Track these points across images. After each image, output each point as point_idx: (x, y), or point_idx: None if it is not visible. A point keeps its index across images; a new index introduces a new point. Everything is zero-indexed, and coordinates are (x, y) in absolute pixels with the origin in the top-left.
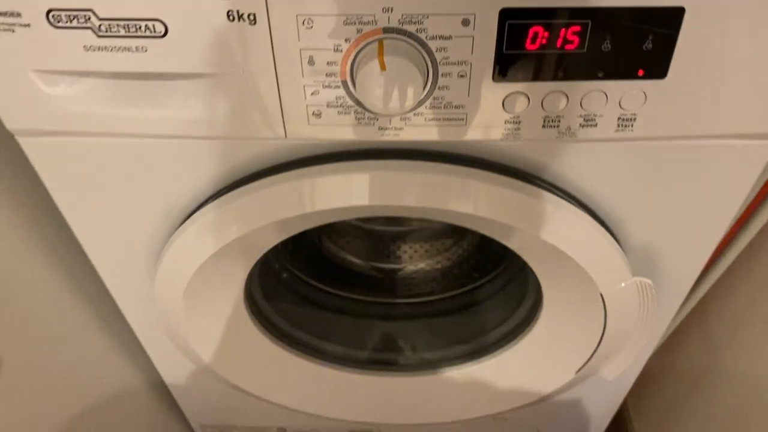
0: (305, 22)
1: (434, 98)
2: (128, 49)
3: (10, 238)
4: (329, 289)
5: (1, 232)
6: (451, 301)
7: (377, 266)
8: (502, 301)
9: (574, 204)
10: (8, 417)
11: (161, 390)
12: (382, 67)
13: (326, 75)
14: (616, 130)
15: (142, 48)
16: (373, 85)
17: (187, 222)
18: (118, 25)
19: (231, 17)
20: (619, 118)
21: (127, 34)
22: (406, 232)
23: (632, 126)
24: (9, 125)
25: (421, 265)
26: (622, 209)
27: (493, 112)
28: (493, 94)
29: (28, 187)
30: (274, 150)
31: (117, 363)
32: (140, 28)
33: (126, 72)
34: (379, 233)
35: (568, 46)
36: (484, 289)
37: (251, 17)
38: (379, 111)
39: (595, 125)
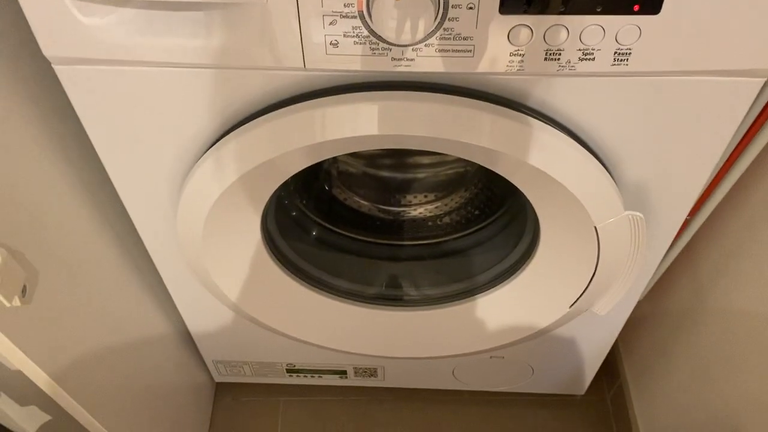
0: None
1: (444, 29)
2: None
3: (44, 169)
4: (339, 230)
5: (34, 163)
6: (454, 243)
7: (384, 209)
8: (502, 241)
9: (571, 138)
10: (39, 328)
11: (178, 327)
12: None
13: (344, 5)
14: (613, 64)
15: None
16: (387, 15)
17: (207, 152)
18: None
19: None
20: (615, 53)
21: None
22: (412, 179)
23: (627, 60)
24: (45, 52)
25: (426, 209)
26: (617, 145)
27: (499, 45)
28: (499, 26)
29: (62, 116)
30: (293, 81)
31: (140, 298)
32: None
33: (157, 1)
34: (387, 179)
35: None
36: (486, 230)
37: None
38: (392, 41)
39: (593, 59)
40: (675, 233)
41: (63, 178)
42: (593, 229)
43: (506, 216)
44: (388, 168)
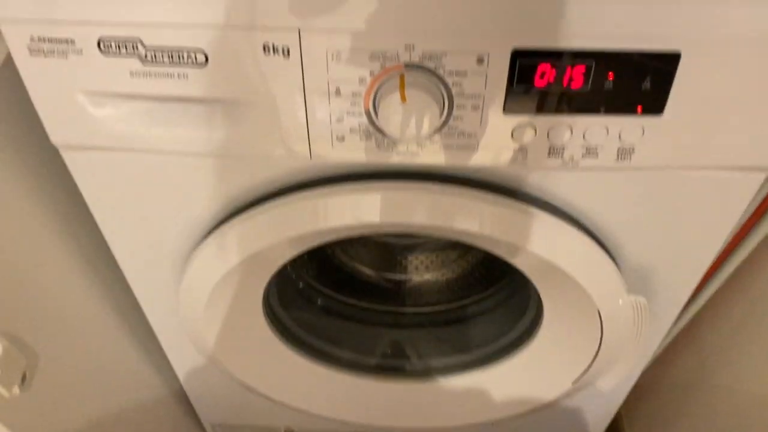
0: (334, 57)
1: (449, 127)
2: (171, 75)
3: (46, 249)
4: (340, 297)
5: (40, 240)
6: (456, 311)
7: (387, 276)
8: (505, 313)
9: (574, 226)
10: (39, 413)
11: (176, 390)
12: (403, 99)
13: (351, 104)
14: (616, 161)
15: (184, 75)
16: (394, 114)
17: (210, 236)
18: (162, 54)
19: (267, 50)
20: (618, 150)
21: (171, 62)
22: (415, 245)
23: (631, 157)
24: (53, 139)
25: (429, 276)
26: (620, 231)
27: (502, 141)
28: (502, 124)
29: (67, 197)
30: (297, 169)
31: (138, 364)
32: (183, 57)
33: (167, 95)
34: (389, 245)
35: (574, 84)
36: (488, 301)
37: (285, 51)
38: (398, 138)
39: (597, 156)
40: (678, 312)
41: (66, 257)
42: (596, 312)
43: (509, 287)
44: (392, 234)
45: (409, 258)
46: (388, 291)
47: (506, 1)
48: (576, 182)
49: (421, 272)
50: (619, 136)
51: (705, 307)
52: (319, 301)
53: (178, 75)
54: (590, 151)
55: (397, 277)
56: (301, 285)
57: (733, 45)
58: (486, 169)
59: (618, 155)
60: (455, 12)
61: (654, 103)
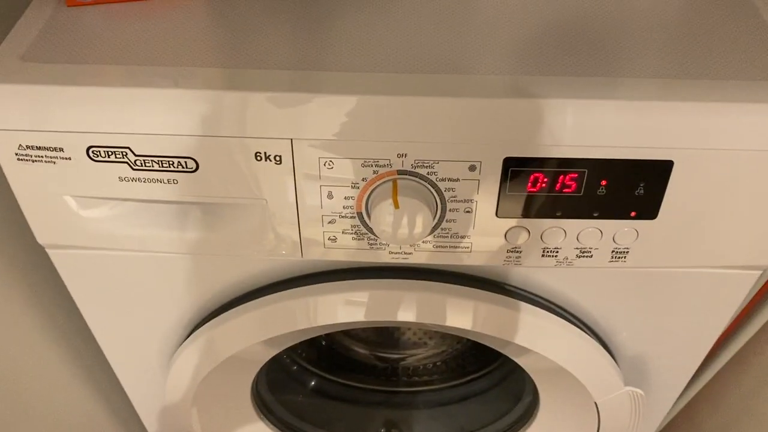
0: (326, 164)
1: (442, 229)
2: (160, 180)
3: (34, 341)
4: (333, 377)
5: (25, 336)
6: (452, 391)
7: (381, 354)
8: (501, 395)
9: (569, 320)
10: None
11: None
12: (396, 205)
13: (343, 207)
14: (610, 261)
15: (174, 180)
16: (387, 219)
17: (197, 332)
18: (152, 161)
19: (258, 158)
20: (612, 251)
21: (161, 168)
22: (408, 327)
23: (625, 258)
24: (40, 240)
25: (423, 354)
26: (615, 323)
27: (496, 243)
28: (496, 227)
29: (52, 292)
30: (286, 266)
31: None
32: (173, 164)
33: (156, 199)
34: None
35: (566, 190)
36: (484, 381)
37: (277, 158)
38: (391, 241)
39: (591, 256)
40: (674, 400)
41: (56, 358)
42: (593, 403)
43: (505, 367)
44: None
45: (406, 334)
46: (381, 370)
47: (497, 112)
48: (569, 277)
49: (416, 351)
50: (614, 239)
51: (701, 393)
52: (312, 384)
53: (168, 180)
54: (584, 252)
55: (392, 354)
56: (294, 368)
57: (725, 155)
58: (479, 266)
59: (612, 256)
60: (447, 122)
61: (648, 208)
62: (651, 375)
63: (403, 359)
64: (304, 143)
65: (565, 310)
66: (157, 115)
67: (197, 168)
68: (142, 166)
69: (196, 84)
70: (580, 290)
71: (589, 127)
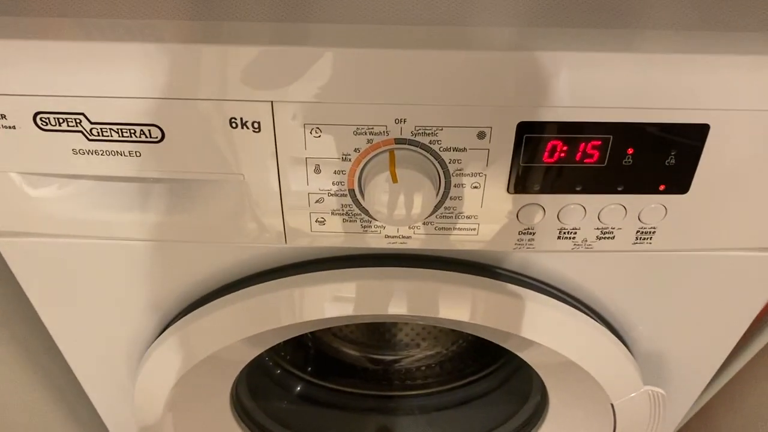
0: (313, 131)
1: (445, 208)
2: (121, 153)
3: None
4: (320, 382)
5: None
6: (450, 395)
7: (373, 356)
8: (505, 397)
9: (584, 311)
10: None
11: None
12: (394, 179)
13: (333, 183)
14: (634, 243)
15: (136, 152)
16: (383, 196)
17: (169, 329)
18: (110, 129)
19: (234, 124)
20: (638, 232)
21: (121, 138)
22: (404, 321)
23: (651, 239)
24: None
25: (419, 355)
26: (635, 316)
27: (507, 223)
28: (507, 205)
29: (4, 288)
30: (269, 255)
31: None
32: (134, 132)
33: (116, 176)
34: (376, 323)
35: (588, 160)
36: (485, 382)
37: (255, 125)
38: (387, 222)
39: (613, 238)
40: (693, 401)
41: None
42: (609, 404)
43: (509, 366)
44: None
45: (398, 335)
46: (374, 373)
47: (509, 69)
48: (586, 263)
49: (411, 351)
50: (639, 217)
51: (721, 390)
52: (298, 389)
53: (129, 152)
54: (606, 233)
55: (385, 356)
56: (278, 372)
57: (765, 117)
58: (487, 253)
59: (637, 237)
60: (452, 81)
61: (679, 180)
62: (670, 372)
63: (396, 361)
64: (287, 107)
65: (578, 300)
66: (115, 74)
67: (163, 138)
68: (98, 135)
69: (159, 38)
70: (596, 278)
71: (613, 86)
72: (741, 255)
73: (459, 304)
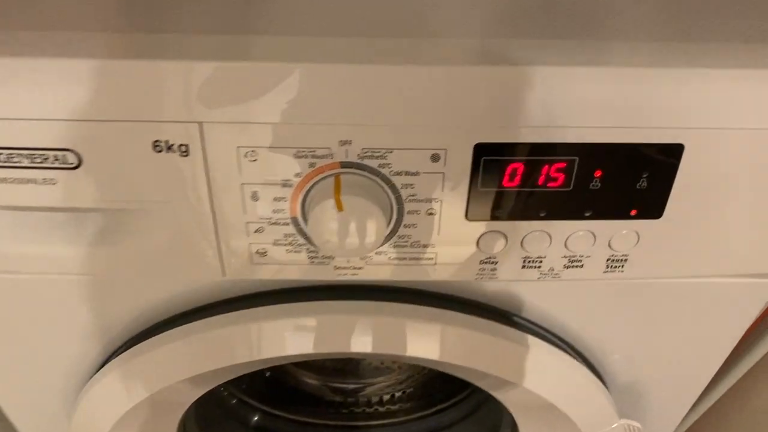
0: (248, 155)
1: (399, 237)
2: (33, 181)
3: None
4: (279, 412)
5: None
6: (417, 424)
7: (335, 385)
8: (473, 428)
9: (554, 343)
10: None
11: None
12: (339, 207)
13: (273, 211)
14: (605, 271)
15: (51, 180)
16: (328, 225)
17: (102, 370)
18: (20, 155)
19: (158, 148)
20: (608, 260)
21: (32, 165)
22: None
23: (622, 267)
24: None
25: (384, 383)
26: (609, 345)
27: (467, 252)
28: (466, 233)
29: None
30: (215, 286)
31: None
32: (47, 158)
33: (30, 206)
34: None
35: (552, 184)
36: (453, 412)
37: (183, 148)
38: (334, 253)
39: (582, 266)
40: (674, 428)
41: None
42: None
43: (477, 396)
44: None
45: (362, 361)
46: (337, 402)
47: (466, 85)
48: (555, 291)
49: (377, 377)
50: (610, 244)
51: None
52: (255, 420)
53: (43, 180)
54: (574, 262)
55: (348, 385)
56: (233, 402)
57: (747, 136)
58: (447, 283)
59: (608, 265)
60: (402, 99)
61: (651, 205)
62: (649, 402)
63: (360, 389)
64: (218, 128)
65: (548, 331)
66: (22, 93)
67: (80, 164)
68: (6, 162)
69: (73, 52)
70: (567, 306)
71: (578, 103)
72: (719, 282)
73: (426, 342)
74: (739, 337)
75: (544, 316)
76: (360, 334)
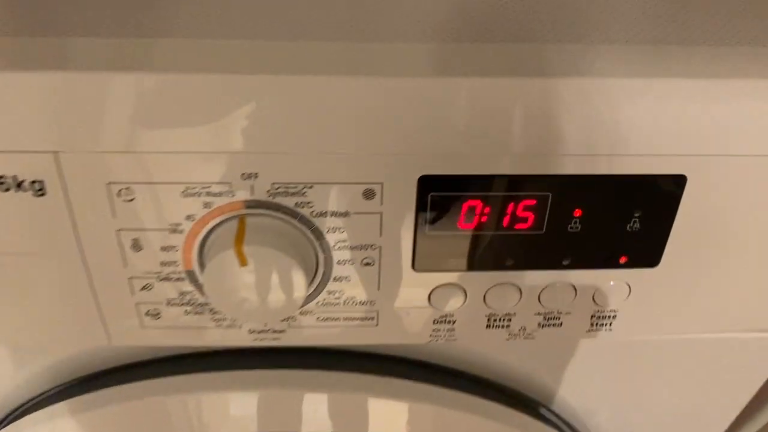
0: (122, 193)
1: (329, 293)
2: None
3: None
4: None
5: None
6: None
7: None
8: None
9: (528, 411)
10: None
11: None
12: (242, 260)
13: (162, 264)
14: (589, 330)
15: None
16: (228, 283)
17: None
18: None
19: (4, 186)
20: (593, 317)
21: None
22: None
23: (610, 325)
24: None
25: None
26: (592, 412)
27: (417, 310)
28: (414, 287)
29: None
30: (97, 356)
31: None
32: None
33: None
34: None
35: (520, 226)
36: None
37: (37, 186)
38: (239, 318)
39: (560, 325)
40: None
41: None
42: None
43: None
44: None
45: None
46: None
47: (407, 101)
48: (529, 354)
49: None
50: (594, 299)
51: None
52: None
53: None
54: (550, 320)
55: None
56: None
57: (760, 164)
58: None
59: (592, 324)
60: (321, 120)
61: (645, 250)
62: None
63: None
64: (80, 159)
65: (522, 397)
66: None
67: None
68: None
69: None
70: (543, 369)
71: (551, 124)
72: (728, 338)
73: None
74: (747, 399)
75: (514, 378)
76: (306, 413)
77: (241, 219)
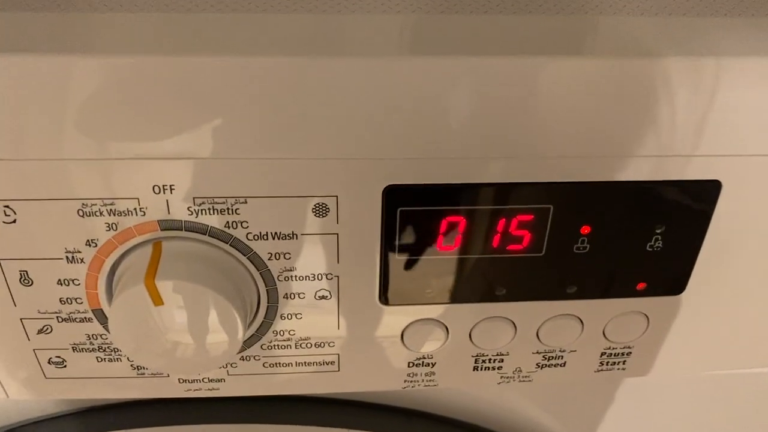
0: (3, 213)
1: (275, 333)
2: None
3: None
4: None
5: None
6: None
7: None
8: None
9: None
10: None
11: None
12: (156, 299)
13: (61, 301)
14: (598, 370)
15: None
16: (143, 327)
17: None
18: None
19: None
20: (603, 354)
21: None
22: None
23: (624, 363)
24: None
25: None
26: None
27: (388, 351)
28: (383, 324)
29: None
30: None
31: None
32: None
33: None
34: None
35: (513, 246)
36: None
37: None
38: (156, 369)
39: (564, 365)
40: None
41: None
42: None
43: None
44: None
45: None
46: None
47: (369, 87)
48: (525, 391)
49: None
50: (604, 333)
51: None
52: None
53: None
54: (551, 359)
55: None
56: None
57: None
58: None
59: (602, 362)
60: (256, 114)
61: (668, 275)
62: None
63: None
64: None
65: None
66: None
67: None
68: None
69: None
70: (544, 407)
71: (552, 117)
72: (761, 373)
73: None
74: None
75: (517, 418)
76: None
77: (156, 245)
